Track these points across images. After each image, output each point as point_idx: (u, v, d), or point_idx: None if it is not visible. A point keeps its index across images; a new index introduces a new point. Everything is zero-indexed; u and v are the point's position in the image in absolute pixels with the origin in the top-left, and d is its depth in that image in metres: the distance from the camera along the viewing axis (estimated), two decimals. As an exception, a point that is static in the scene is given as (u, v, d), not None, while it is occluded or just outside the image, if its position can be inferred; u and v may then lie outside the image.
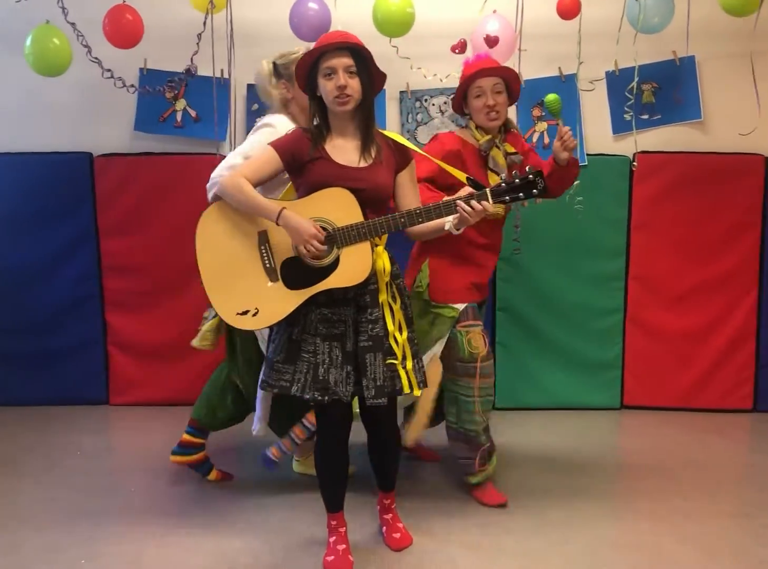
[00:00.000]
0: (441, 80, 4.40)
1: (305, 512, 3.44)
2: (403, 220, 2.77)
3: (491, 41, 3.98)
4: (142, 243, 4.76)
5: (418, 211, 2.77)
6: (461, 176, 2.93)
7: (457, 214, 2.77)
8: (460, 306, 3.44)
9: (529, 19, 4.23)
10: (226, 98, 4.59)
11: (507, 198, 2.75)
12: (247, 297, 2.82)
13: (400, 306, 2.92)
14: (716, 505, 3.53)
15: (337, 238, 2.75)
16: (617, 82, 4.62)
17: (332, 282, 2.77)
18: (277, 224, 2.76)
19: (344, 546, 3.05)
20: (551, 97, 3.26)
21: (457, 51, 3.96)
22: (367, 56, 2.80)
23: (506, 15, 4.16)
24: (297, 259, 2.81)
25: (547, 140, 4.72)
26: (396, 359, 2.88)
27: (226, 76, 4.50)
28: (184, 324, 4.59)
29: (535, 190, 2.73)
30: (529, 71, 4.51)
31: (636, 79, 4.32)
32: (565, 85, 4.61)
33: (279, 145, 2.86)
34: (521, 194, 2.74)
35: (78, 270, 4.81)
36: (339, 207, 2.75)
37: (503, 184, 2.74)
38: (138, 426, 4.57)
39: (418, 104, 4.70)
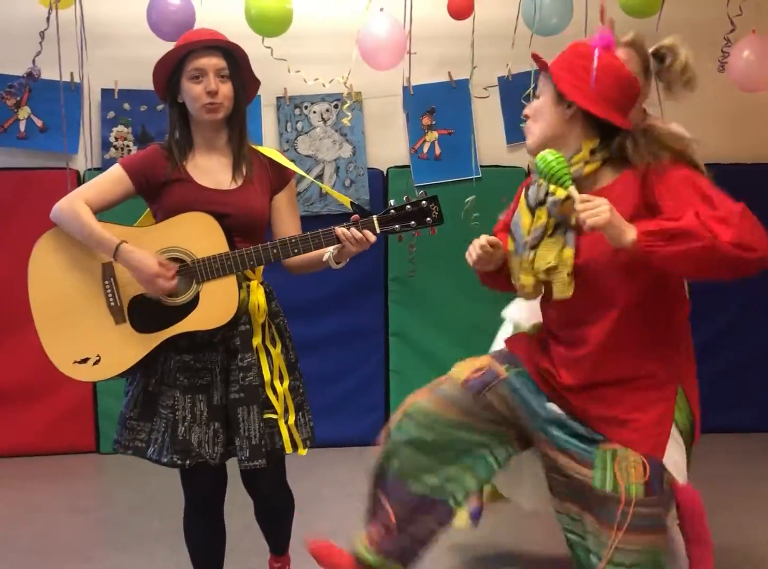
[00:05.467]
0: (324, 85, 4.11)
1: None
2: (275, 250, 2.45)
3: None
4: (-20, 272, 4.28)
5: (293, 241, 2.45)
6: (345, 200, 2.69)
7: (340, 245, 2.46)
8: None
9: (419, 18, 4.01)
10: (78, 105, 4.27)
11: (396, 226, 2.47)
12: (86, 342, 2.50)
13: (281, 351, 2.59)
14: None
15: (196, 271, 2.44)
16: (511, 88, 4.42)
17: (190, 324, 2.44)
18: (115, 261, 2.44)
19: None
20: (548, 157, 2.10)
21: None
22: (242, 58, 2.52)
23: (394, 14, 3.96)
24: (148, 297, 2.48)
25: (438, 151, 4.50)
26: (275, 413, 2.54)
27: (77, 80, 4.18)
28: (31, 365, 4.11)
29: (428, 219, 2.46)
30: (418, 76, 4.34)
31: (532, 85, 4.09)
32: (457, 91, 4.43)
33: (128, 164, 2.52)
34: (412, 222, 2.46)
35: None
36: (199, 235, 2.44)
37: (392, 211, 2.46)
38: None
39: (297, 111, 4.45)
